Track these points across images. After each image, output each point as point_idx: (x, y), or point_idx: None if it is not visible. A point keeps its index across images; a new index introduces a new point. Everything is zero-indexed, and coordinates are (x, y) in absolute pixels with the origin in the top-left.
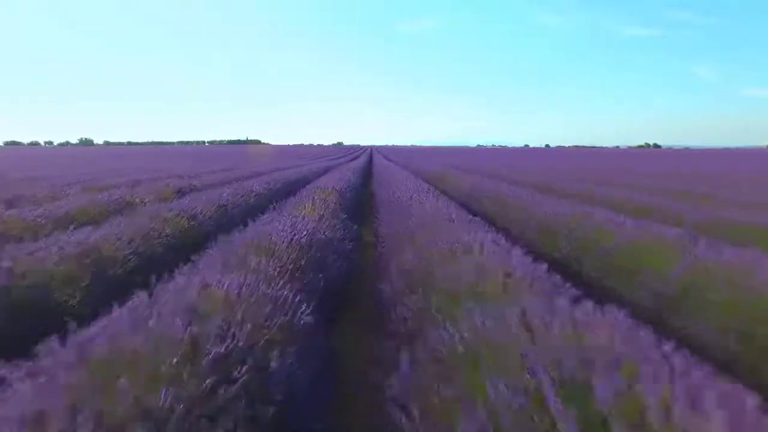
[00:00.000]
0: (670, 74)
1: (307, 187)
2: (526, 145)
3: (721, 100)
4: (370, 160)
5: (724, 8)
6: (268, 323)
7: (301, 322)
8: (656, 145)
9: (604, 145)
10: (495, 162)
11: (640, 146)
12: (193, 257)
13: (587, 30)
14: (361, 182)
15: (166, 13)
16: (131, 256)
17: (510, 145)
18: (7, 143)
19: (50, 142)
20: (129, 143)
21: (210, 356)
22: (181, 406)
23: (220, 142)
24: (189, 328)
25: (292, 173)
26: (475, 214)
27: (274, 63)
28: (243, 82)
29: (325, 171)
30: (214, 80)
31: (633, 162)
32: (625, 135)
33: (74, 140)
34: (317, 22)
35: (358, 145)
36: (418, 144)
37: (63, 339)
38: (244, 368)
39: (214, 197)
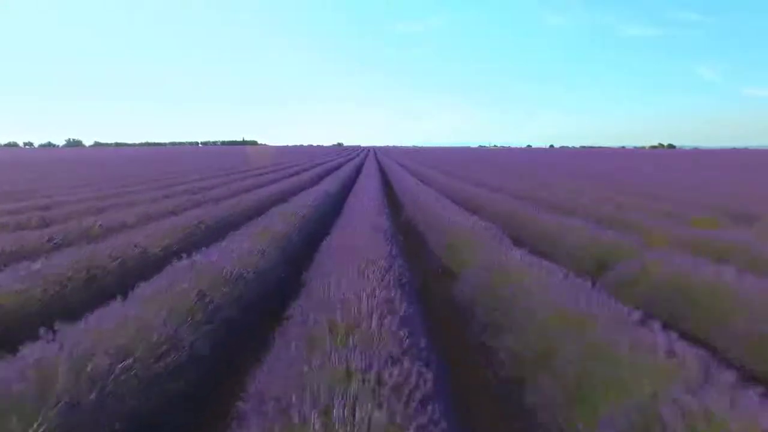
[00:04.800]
0: (674, 74)
1: None
2: (529, 146)
3: (727, 99)
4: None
5: (727, 7)
6: None
7: None
8: (671, 146)
9: (609, 146)
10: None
11: (654, 146)
12: None
13: (589, 30)
14: None
15: (159, 8)
16: None
17: (512, 146)
18: None
19: (30, 143)
20: (117, 144)
21: None
22: None
23: (215, 143)
24: None
25: None
26: None
27: (273, 62)
28: (241, 81)
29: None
30: (211, 79)
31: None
32: (627, 135)
33: (56, 141)
34: (316, 20)
35: (359, 145)
36: (420, 145)
37: None
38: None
39: None
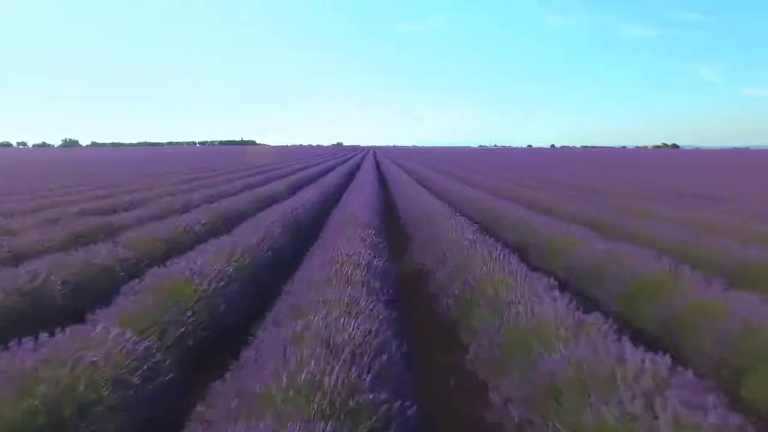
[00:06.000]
0: (675, 74)
1: None
2: (529, 146)
3: (727, 99)
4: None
5: (727, 7)
6: None
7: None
8: (674, 145)
9: (610, 145)
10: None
11: (657, 146)
12: None
13: (589, 30)
14: None
15: (158, 7)
16: None
17: (513, 145)
18: None
19: (24, 143)
20: (114, 144)
21: None
22: None
23: (212, 143)
24: None
25: None
26: None
27: (273, 61)
28: (241, 81)
29: None
30: (210, 79)
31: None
32: (629, 135)
33: (52, 141)
34: (316, 20)
35: (358, 145)
36: (420, 145)
37: None
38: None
39: None
